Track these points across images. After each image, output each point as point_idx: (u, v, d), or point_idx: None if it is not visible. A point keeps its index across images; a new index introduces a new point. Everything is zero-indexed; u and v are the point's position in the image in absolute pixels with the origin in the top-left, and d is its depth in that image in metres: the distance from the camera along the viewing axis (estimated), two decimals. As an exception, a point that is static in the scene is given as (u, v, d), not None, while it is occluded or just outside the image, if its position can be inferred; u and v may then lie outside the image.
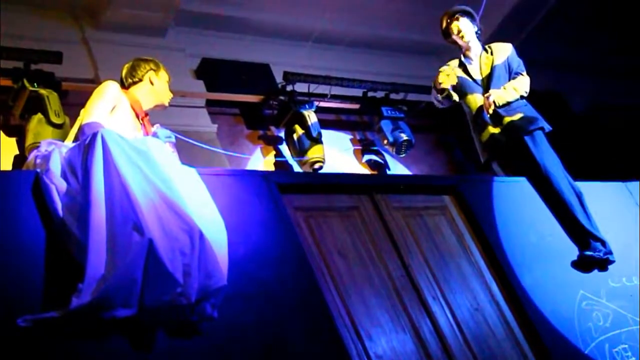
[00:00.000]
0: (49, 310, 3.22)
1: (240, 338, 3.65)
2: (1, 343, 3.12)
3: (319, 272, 4.21)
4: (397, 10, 8.40)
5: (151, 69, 4.44)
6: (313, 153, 7.09)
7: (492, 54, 5.59)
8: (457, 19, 5.60)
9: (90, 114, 4.06)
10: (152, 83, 4.41)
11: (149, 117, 4.40)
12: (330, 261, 4.32)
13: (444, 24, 5.67)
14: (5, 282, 3.28)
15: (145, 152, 3.61)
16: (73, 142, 4.01)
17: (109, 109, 4.14)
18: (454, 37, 5.61)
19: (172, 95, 4.55)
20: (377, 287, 4.37)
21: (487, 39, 8.56)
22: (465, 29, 5.59)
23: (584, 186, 5.43)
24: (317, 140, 7.13)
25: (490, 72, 5.52)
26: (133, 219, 3.36)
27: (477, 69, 5.58)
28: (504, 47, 5.63)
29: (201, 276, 3.43)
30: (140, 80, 4.40)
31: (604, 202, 5.54)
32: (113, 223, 3.38)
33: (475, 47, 5.63)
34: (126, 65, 4.47)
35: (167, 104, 4.53)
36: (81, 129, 3.99)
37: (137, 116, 4.31)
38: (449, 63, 5.69)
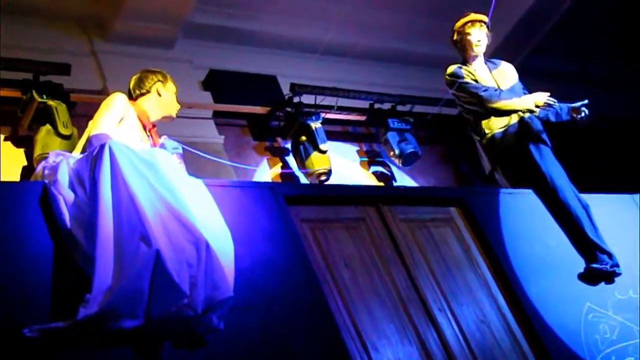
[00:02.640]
0: (56, 321, 3.23)
1: (246, 349, 3.65)
2: (9, 353, 3.14)
3: (325, 283, 4.21)
4: (404, 22, 8.42)
5: (159, 80, 4.44)
6: (319, 164, 7.10)
7: (503, 69, 5.59)
8: (481, 26, 5.53)
9: (98, 125, 4.08)
10: (159, 94, 4.42)
11: (156, 128, 4.41)
12: (336, 272, 4.33)
13: (466, 27, 5.58)
14: (13, 292, 3.30)
15: (152, 163, 3.63)
16: (81, 153, 4.03)
17: (117, 120, 4.16)
18: (474, 43, 5.53)
19: (179, 107, 4.55)
20: (383, 298, 4.37)
21: (493, 51, 8.58)
22: (485, 39, 5.56)
23: (591, 198, 5.42)
24: (324, 152, 7.14)
25: (511, 88, 5.52)
26: (140, 230, 3.38)
27: (491, 80, 5.57)
28: (511, 67, 5.66)
29: (207, 287, 3.44)
30: (148, 91, 4.41)
31: (611, 214, 5.53)
32: (120, 234, 3.39)
33: (480, 58, 5.61)
34: (134, 77, 4.48)
35: (174, 115, 4.54)
36: (89, 140, 4.01)
37: (145, 127, 4.32)
38: (461, 66, 5.61)
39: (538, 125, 5.44)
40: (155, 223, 3.42)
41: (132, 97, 4.39)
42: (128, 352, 3.34)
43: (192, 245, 3.44)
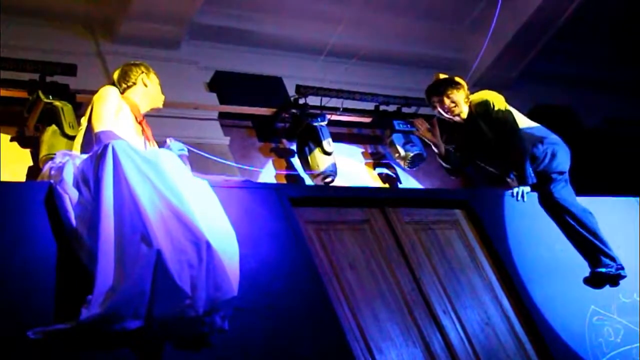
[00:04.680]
0: (60, 322, 3.25)
1: (250, 350, 3.66)
2: (12, 355, 3.15)
3: (330, 285, 4.22)
4: (409, 24, 8.43)
5: (142, 72, 4.40)
6: (324, 166, 7.10)
7: (481, 117, 5.30)
8: (443, 96, 5.28)
9: (100, 121, 4.04)
10: (145, 85, 4.38)
11: (145, 120, 4.39)
12: (341, 274, 4.33)
13: (430, 102, 5.38)
14: (18, 293, 3.31)
15: (155, 163, 3.63)
16: (81, 150, 4.04)
17: (114, 113, 4.14)
18: (442, 112, 5.33)
19: (164, 97, 4.54)
20: (388, 300, 4.38)
21: (499, 53, 8.60)
22: (452, 106, 5.29)
23: (596, 201, 5.43)
24: (327, 151, 7.14)
25: (487, 146, 5.35)
26: (141, 230, 3.38)
27: (471, 135, 5.41)
28: (488, 112, 5.28)
29: (209, 288, 3.45)
30: (134, 83, 4.36)
31: (615, 217, 5.54)
32: (122, 234, 3.40)
33: (465, 112, 5.34)
34: (116, 71, 4.44)
35: (161, 106, 4.52)
36: (97, 138, 3.98)
37: (136, 120, 4.31)
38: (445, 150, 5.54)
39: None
40: (157, 223, 3.42)
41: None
42: (131, 353, 3.35)
43: (193, 245, 3.45)
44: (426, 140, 5.62)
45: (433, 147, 5.59)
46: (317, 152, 7.13)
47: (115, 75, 4.42)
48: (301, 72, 7.87)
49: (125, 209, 3.45)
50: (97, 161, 3.59)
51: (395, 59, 8.65)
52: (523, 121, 5.39)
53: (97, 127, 4.02)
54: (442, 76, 5.43)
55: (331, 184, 7.12)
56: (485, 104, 5.31)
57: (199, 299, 3.39)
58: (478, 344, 4.47)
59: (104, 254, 3.34)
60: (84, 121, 4.21)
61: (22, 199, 3.63)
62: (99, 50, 6.95)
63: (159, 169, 3.62)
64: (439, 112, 5.39)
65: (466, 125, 5.39)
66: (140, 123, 4.28)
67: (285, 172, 7.48)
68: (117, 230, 3.41)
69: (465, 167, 5.64)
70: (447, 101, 5.30)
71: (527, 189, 5.21)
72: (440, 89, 5.33)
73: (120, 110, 4.18)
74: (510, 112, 5.31)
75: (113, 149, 3.59)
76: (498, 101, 5.32)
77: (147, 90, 4.40)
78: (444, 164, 5.64)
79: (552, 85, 9.26)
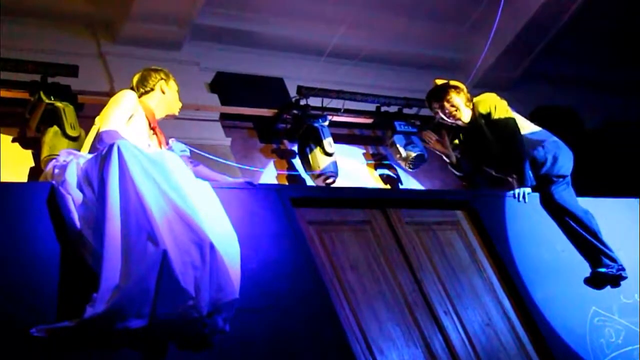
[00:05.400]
0: (64, 320, 3.25)
1: (251, 351, 3.67)
2: (16, 353, 3.15)
3: (331, 286, 4.23)
4: (411, 25, 8.42)
5: (162, 78, 4.44)
6: (325, 167, 7.10)
7: (483, 120, 5.30)
8: (443, 101, 5.29)
9: (107, 121, 4.07)
10: (163, 92, 4.41)
11: (159, 127, 4.40)
12: (342, 275, 4.34)
13: (431, 108, 5.39)
14: (21, 292, 3.32)
15: (160, 164, 3.64)
16: (90, 150, 4.05)
17: (127, 117, 4.15)
18: (450, 116, 5.32)
19: (181, 105, 4.55)
20: (389, 301, 4.39)
21: (501, 54, 8.60)
22: (453, 110, 5.30)
23: (597, 202, 5.42)
24: (330, 154, 7.14)
25: (489, 149, 5.34)
26: (148, 230, 3.40)
27: (474, 138, 5.42)
28: (489, 115, 5.29)
29: (212, 289, 3.46)
30: (152, 89, 4.40)
31: (617, 217, 5.54)
32: (128, 234, 3.41)
33: (466, 115, 5.36)
34: (136, 75, 4.47)
35: (177, 114, 4.55)
36: (99, 136, 4.00)
37: (150, 126, 4.32)
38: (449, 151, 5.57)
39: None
40: (162, 224, 3.43)
41: None
42: (133, 352, 3.36)
43: (197, 246, 3.46)
44: (437, 152, 5.62)
45: (444, 157, 5.60)
46: (318, 152, 7.12)
47: (135, 80, 4.45)
48: (302, 73, 7.86)
49: (131, 209, 3.46)
50: (102, 161, 3.60)
51: (396, 60, 8.64)
52: (526, 126, 5.38)
53: (102, 126, 4.07)
54: (441, 81, 5.42)
55: (332, 185, 7.12)
56: (486, 108, 5.31)
57: (202, 300, 3.40)
58: (479, 344, 4.47)
59: (110, 253, 3.36)
60: (98, 120, 4.22)
61: (24, 200, 3.64)
62: (100, 51, 6.95)
63: (164, 170, 3.63)
64: (440, 117, 5.39)
65: (468, 128, 5.39)
66: (153, 129, 4.29)
67: (286, 173, 7.48)
68: (123, 230, 3.43)
69: (475, 175, 5.63)
70: (447, 105, 5.31)
71: (528, 190, 5.21)
72: (440, 94, 5.35)
73: (135, 114, 4.20)
74: (512, 118, 5.30)
75: (119, 148, 3.60)
76: (499, 105, 5.32)
77: (165, 97, 4.42)
78: (455, 172, 5.64)
79: (553, 86, 9.26)
